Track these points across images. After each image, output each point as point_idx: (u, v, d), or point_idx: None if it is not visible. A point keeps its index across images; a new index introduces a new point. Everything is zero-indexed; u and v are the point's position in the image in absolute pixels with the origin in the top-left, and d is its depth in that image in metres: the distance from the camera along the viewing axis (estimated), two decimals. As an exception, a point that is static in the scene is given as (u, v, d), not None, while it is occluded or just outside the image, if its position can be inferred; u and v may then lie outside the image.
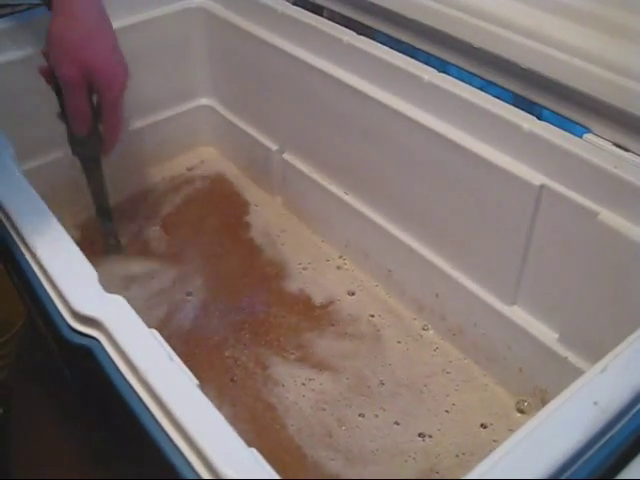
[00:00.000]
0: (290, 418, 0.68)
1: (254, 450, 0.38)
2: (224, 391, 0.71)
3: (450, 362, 0.74)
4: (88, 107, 0.72)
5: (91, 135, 0.75)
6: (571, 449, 0.36)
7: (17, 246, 0.51)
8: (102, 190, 0.81)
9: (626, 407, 0.38)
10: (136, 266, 0.85)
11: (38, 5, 0.82)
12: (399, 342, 0.76)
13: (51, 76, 0.71)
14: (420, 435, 0.67)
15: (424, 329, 0.78)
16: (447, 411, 0.69)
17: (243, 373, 0.73)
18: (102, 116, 0.73)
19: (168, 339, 0.44)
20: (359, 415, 0.69)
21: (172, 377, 0.41)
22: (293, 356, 0.74)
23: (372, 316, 0.79)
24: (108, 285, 0.47)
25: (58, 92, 0.72)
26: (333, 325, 0.78)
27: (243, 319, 0.79)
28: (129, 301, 0.45)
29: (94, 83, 0.70)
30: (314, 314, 0.80)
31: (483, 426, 0.67)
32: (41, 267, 0.48)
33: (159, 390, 0.40)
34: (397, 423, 0.68)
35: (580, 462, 0.36)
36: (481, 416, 0.68)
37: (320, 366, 0.74)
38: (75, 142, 0.76)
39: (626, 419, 0.38)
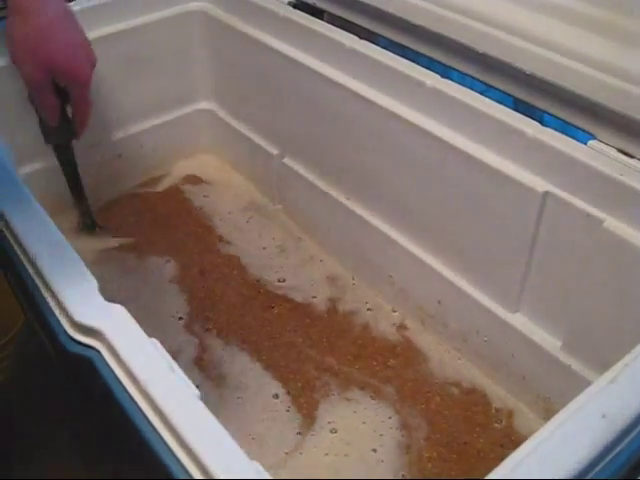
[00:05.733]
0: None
1: (256, 463, 0.37)
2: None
3: (453, 369, 0.74)
4: (56, 101, 0.72)
5: (62, 122, 0.75)
6: (579, 463, 0.35)
7: (16, 254, 0.50)
8: (76, 172, 0.83)
9: (635, 420, 0.38)
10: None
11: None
12: (398, 348, 0.76)
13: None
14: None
15: (426, 336, 0.77)
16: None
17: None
18: (71, 103, 0.73)
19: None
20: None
21: (173, 388, 0.40)
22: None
23: (373, 322, 0.79)
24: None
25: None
26: (334, 333, 0.78)
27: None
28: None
29: (58, 78, 0.69)
30: (317, 322, 0.79)
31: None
32: (40, 276, 0.47)
33: (160, 401, 0.39)
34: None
35: (589, 476, 0.36)
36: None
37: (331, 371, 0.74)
38: (47, 130, 0.76)
39: (635, 432, 0.38)
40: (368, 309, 0.81)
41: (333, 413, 0.70)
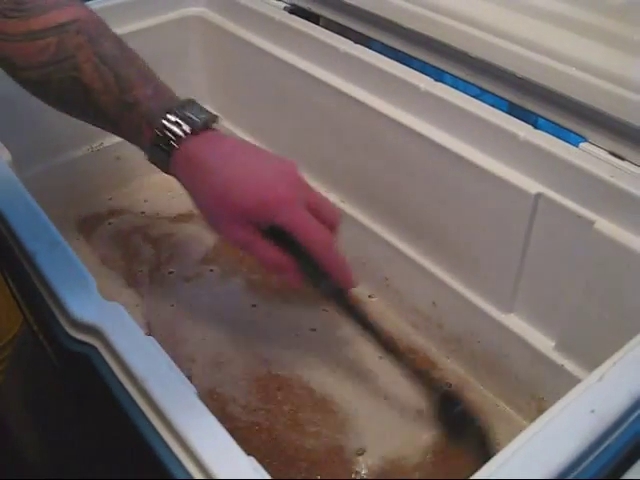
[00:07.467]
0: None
1: (252, 458, 0.38)
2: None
3: (447, 370, 0.74)
4: (276, 250, 0.57)
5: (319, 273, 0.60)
6: (568, 458, 0.36)
7: (14, 253, 0.51)
8: (369, 324, 0.64)
9: (623, 415, 0.38)
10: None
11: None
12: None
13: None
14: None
15: (421, 337, 0.78)
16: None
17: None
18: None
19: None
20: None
21: (170, 385, 0.41)
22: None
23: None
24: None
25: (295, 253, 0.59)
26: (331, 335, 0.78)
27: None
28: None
29: (261, 220, 0.56)
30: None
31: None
32: (38, 274, 0.48)
33: (157, 398, 0.40)
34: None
35: (577, 471, 0.36)
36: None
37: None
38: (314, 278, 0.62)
39: (623, 427, 0.38)
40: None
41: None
